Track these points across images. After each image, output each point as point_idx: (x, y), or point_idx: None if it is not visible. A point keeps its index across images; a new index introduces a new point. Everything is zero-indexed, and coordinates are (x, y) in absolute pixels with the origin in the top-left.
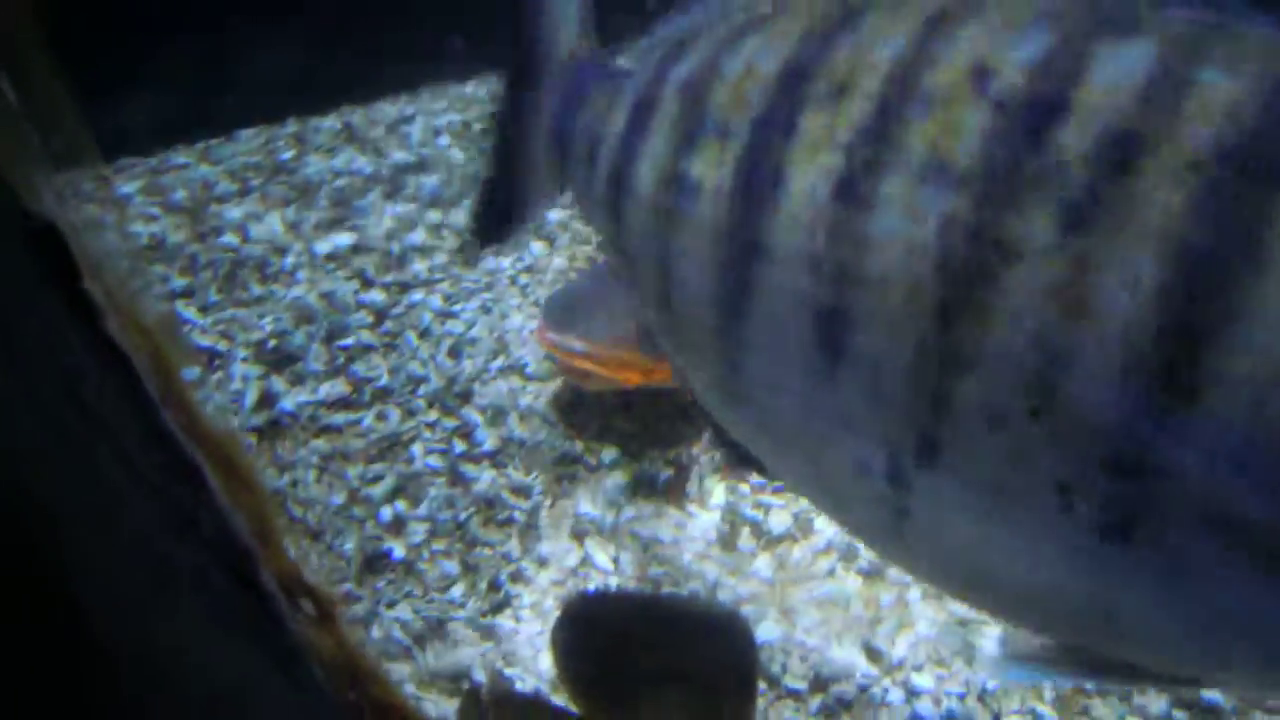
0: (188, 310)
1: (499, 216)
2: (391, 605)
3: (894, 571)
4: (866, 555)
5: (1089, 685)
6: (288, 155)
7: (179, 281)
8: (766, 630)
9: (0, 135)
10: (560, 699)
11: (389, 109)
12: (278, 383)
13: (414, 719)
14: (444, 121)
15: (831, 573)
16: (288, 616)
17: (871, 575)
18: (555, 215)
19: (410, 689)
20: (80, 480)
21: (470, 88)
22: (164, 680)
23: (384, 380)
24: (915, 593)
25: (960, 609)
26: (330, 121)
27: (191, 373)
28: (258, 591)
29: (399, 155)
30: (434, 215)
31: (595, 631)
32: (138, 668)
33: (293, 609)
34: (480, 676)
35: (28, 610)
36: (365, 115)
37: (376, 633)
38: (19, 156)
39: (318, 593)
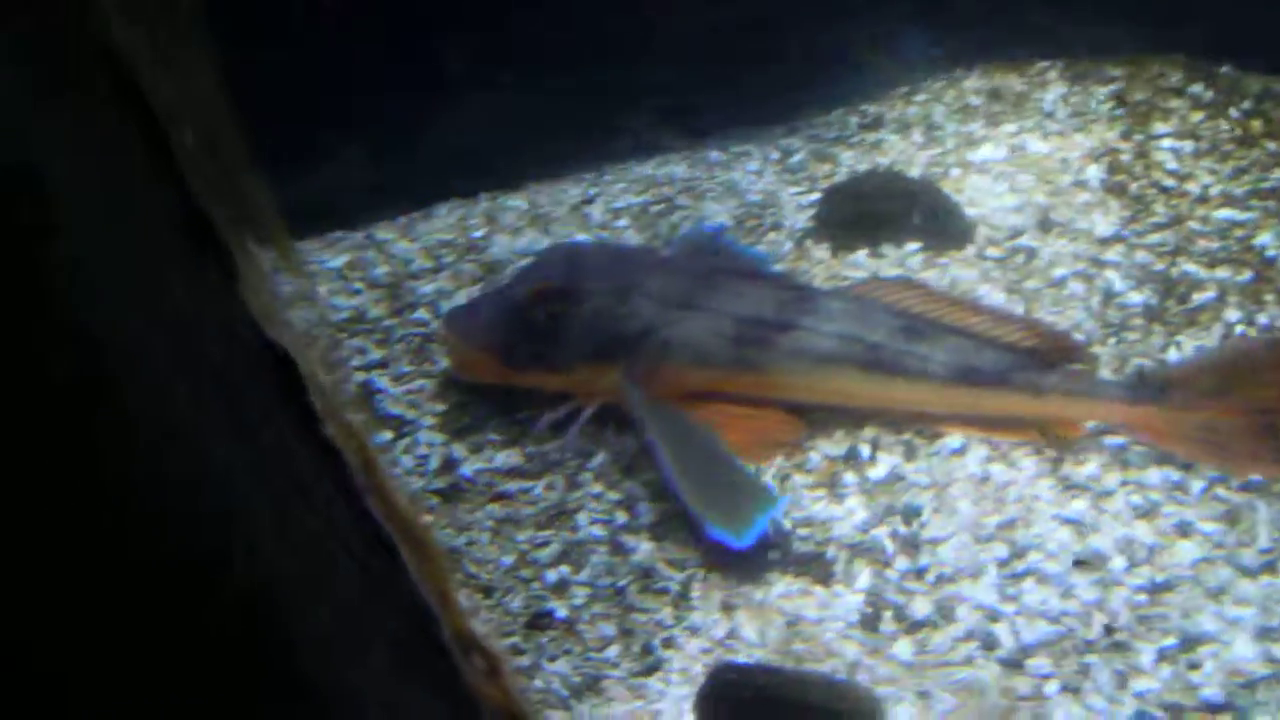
0: (381, 380)
1: None
2: (553, 660)
3: (1032, 663)
4: (1006, 645)
5: None
6: (479, 234)
7: (375, 354)
8: (902, 713)
9: (249, 273)
10: None
11: (573, 190)
12: (459, 450)
13: None
14: (623, 204)
15: (970, 660)
16: (463, 670)
17: (1009, 665)
18: None
19: None
20: (304, 556)
21: (650, 168)
22: (362, 714)
23: (557, 453)
24: (1053, 686)
25: (1098, 701)
26: (518, 201)
27: (382, 438)
28: (439, 648)
29: (580, 237)
30: None
31: (733, 705)
32: (342, 707)
33: (467, 664)
34: None
35: (259, 655)
36: (550, 195)
37: (539, 684)
38: (259, 289)
39: (488, 650)
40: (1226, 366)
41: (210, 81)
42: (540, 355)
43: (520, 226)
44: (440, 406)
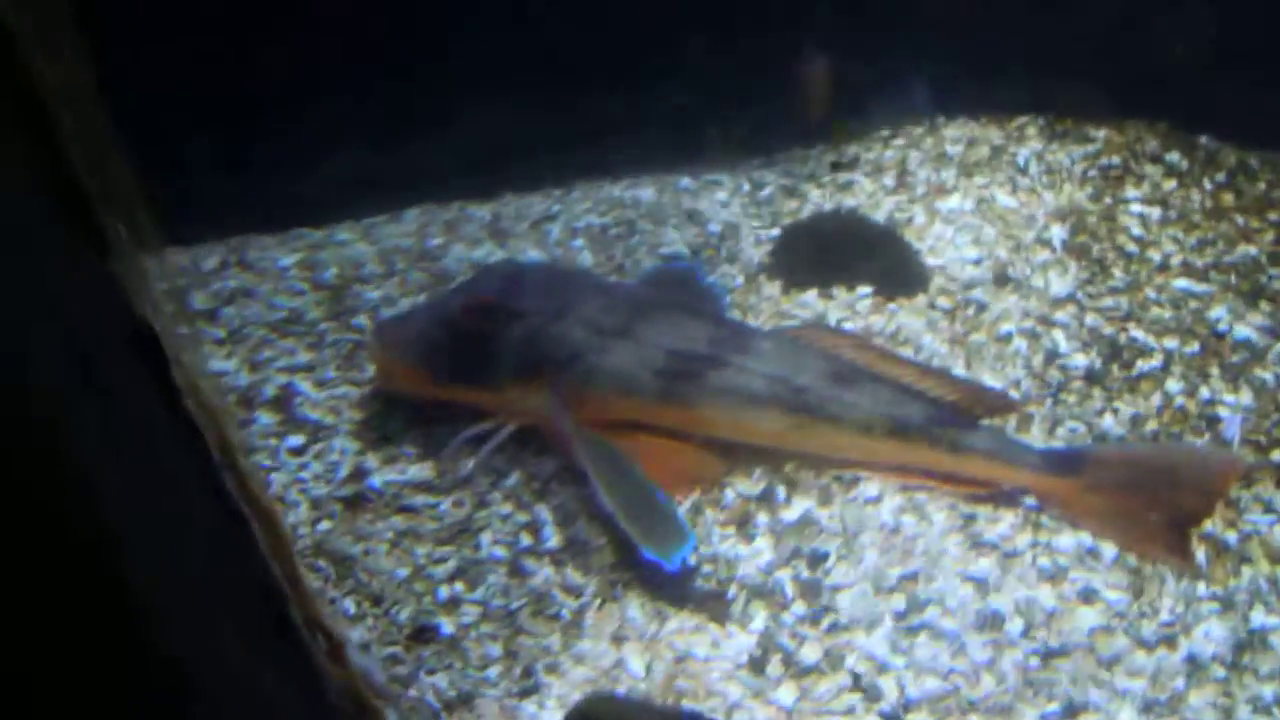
0: (304, 384)
1: None
2: (431, 673)
3: (912, 718)
4: (889, 698)
5: None
6: (435, 242)
7: (303, 357)
8: None
9: (123, 259)
10: None
11: (539, 205)
12: (371, 460)
13: None
14: (583, 223)
15: (851, 711)
16: (311, 648)
17: (889, 719)
18: None
19: None
20: (155, 523)
21: (619, 190)
22: (210, 684)
23: (468, 470)
24: None
25: None
26: (483, 212)
27: (295, 441)
28: (289, 625)
29: (534, 254)
30: None
31: None
32: (193, 672)
33: (314, 642)
34: None
35: (105, 617)
36: (516, 208)
37: (412, 693)
38: (132, 274)
39: (330, 632)
40: (1148, 463)
41: (83, 70)
42: (467, 371)
43: (480, 238)
44: (360, 415)
